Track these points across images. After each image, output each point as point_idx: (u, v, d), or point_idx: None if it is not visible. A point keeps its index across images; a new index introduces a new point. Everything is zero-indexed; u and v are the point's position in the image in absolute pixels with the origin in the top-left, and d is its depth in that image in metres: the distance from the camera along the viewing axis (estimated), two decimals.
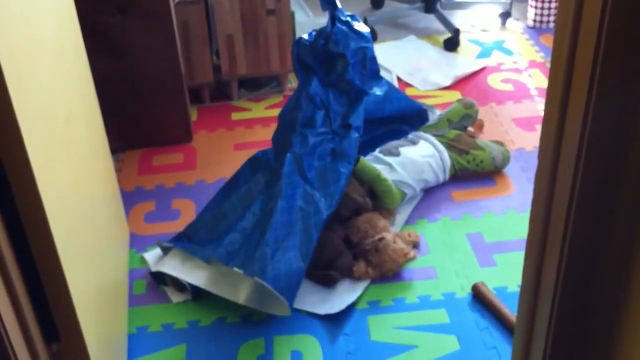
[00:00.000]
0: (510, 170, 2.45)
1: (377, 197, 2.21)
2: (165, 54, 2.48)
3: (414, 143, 2.37)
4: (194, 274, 1.96)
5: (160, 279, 2.03)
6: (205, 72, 2.80)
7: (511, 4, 3.46)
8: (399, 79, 3.02)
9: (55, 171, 1.31)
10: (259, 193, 2.07)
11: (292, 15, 2.83)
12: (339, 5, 2.36)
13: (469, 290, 1.98)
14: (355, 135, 2.13)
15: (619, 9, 0.87)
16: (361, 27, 2.34)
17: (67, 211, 1.35)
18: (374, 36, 3.34)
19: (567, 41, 0.95)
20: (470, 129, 2.56)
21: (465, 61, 3.14)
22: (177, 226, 2.22)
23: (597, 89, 0.91)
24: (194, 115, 2.82)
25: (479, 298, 1.94)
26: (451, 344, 1.83)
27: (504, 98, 2.88)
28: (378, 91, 2.33)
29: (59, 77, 1.49)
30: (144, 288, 2.04)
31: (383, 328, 1.88)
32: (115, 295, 1.82)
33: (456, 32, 3.24)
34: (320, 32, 2.32)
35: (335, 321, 1.90)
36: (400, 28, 3.48)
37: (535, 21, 3.41)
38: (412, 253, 2.02)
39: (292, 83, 3.01)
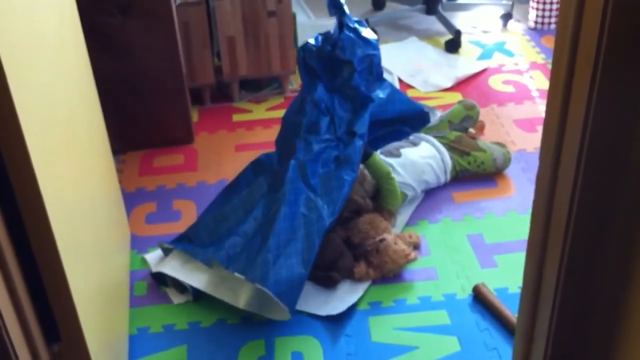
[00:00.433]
0: (510, 171, 2.45)
1: (380, 195, 2.21)
2: (166, 55, 2.49)
3: (414, 144, 2.37)
4: (194, 276, 1.96)
5: (160, 280, 2.03)
6: (206, 73, 2.80)
7: (512, 5, 3.46)
8: (400, 80, 3.03)
9: (56, 171, 1.31)
10: (260, 197, 2.07)
11: (293, 16, 2.83)
12: (347, 11, 2.36)
13: (469, 291, 1.98)
14: (359, 142, 2.12)
15: (620, 10, 0.87)
16: (368, 33, 2.33)
17: (68, 211, 1.36)
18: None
19: (567, 42, 0.95)
20: (471, 130, 2.56)
21: (466, 62, 3.14)
22: (178, 227, 2.22)
23: (598, 90, 0.91)
24: (194, 116, 2.82)
25: (480, 299, 1.94)
26: (452, 344, 1.83)
27: (504, 99, 2.88)
28: (381, 94, 2.32)
29: (60, 76, 1.49)
30: (145, 289, 2.04)
31: (384, 329, 1.88)
32: (116, 295, 1.83)
33: (457, 34, 3.24)
34: (327, 37, 2.31)
35: (336, 322, 1.90)
36: (401, 29, 3.48)
37: (536, 22, 3.41)
38: (413, 254, 2.02)
39: (293, 84, 3.01)
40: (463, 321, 1.89)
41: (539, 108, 2.81)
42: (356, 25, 2.33)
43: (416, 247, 2.12)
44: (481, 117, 2.63)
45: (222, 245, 1.94)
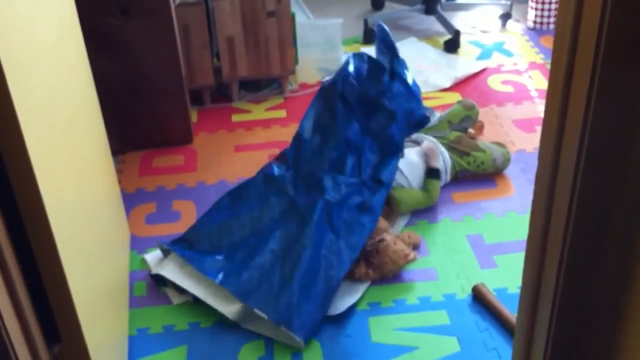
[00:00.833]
0: (510, 171, 2.45)
1: (396, 200, 2.21)
2: (165, 56, 2.49)
3: (417, 143, 2.37)
4: (191, 281, 1.96)
5: (160, 281, 2.03)
6: (206, 73, 2.80)
7: (511, 6, 3.46)
8: None
9: (56, 172, 1.31)
10: (272, 222, 2.05)
11: (292, 16, 2.83)
12: (399, 53, 2.32)
13: (469, 291, 1.98)
14: (384, 192, 2.10)
15: (619, 11, 0.87)
16: (411, 79, 2.32)
17: (68, 212, 1.36)
18: (374, 38, 3.34)
19: (567, 42, 0.95)
20: (471, 130, 2.56)
21: (465, 62, 3.14)
22: (178, 227, 2.22)
23: (597, 90, 0.91)
24: (194, 117, 2.82)
25: (479, 299, 1.94)
26: (451, 345, 1.83)
27: (504, 99, 2.88)
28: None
29: (60, 77, 1.49)
30: (145, 289, 2.04)
31: (383, 329, 1.88)
32: (115, 296, 1.83)
33: (456, 34, 3.24)
34: (373, 78, 2.26)
35: (336, 322, 1.90)
36: (400, 29, 3.48)
37: (535, 22, 3.41)
38: (412, 254, 2.02)
39: (292, 84, 3.02)
40: (463, 321, 1.89)
41: (538, 108, 2.81)
42: (405, 72, 2.30)
43: (416, 247, 2.12)
44: (480, 117, 2.63)
45: (239, 279, 1.92)
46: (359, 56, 2.40)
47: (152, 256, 2.12)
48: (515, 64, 3.14)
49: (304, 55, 3.03)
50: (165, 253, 2.08)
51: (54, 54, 1.46)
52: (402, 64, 2.34)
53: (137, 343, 1.87)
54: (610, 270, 1.08)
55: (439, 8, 3.39)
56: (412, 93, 2.30)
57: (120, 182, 2.38)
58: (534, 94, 2.91)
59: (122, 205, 2.15)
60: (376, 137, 2.24)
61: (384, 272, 2.01)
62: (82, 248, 1.48)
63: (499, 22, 3.49)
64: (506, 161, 2.42)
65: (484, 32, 3.44)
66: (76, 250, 1.39)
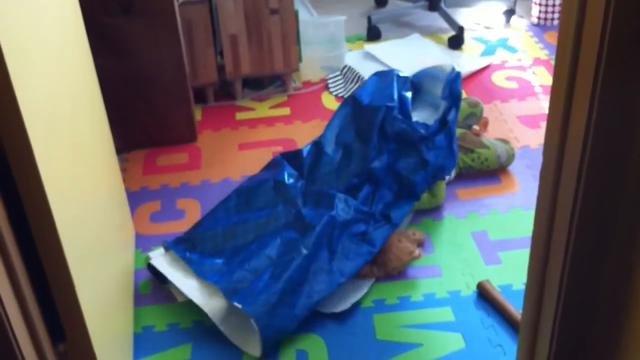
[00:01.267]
0: (514, 167, 2.45)
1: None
2: (169, 54, 2.49)
3: None
4: (179, 274, 1.97)
5: (162, 279, 2.03)
6: (209, 71, 2.80)
7: (515, 1, 3.45)
8: None
9: (60, 171, 1.32)
10: (275, 230, 2.03)
11: (296, 14, 2.83)
12: (461, 104, 2.26)
13: (473, 288, 1.98)
14: (389, 230, 2.05)
15: (623, 6, 0.86)
16: (449, 133, 2.26)
17: (72, 211, 1.36)
18: (378, 35, 3.34)
19: (571, 38, 0.95)
20: (475, 127, 2.56)
21: (469, 59, 3.14)
22: (182, 225, 2.22)
23: (601, 85, 0.91)
24: (197, 115, 2.82)
25: (484, 296, 1.94)
26: (456, 341, 1.83)
27: (508, 95, 2.87)
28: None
29: (63, 76, 1.49)
30: (149, 287, 2.05)
31: (388, 326, 1.88)
32: (120, 294, 1.83)
33: (460, 30, 3.23)
34: (406, 109, 2.21)
35: (340, 320, 1.90)
36: (403, 26, 3.47)
37: (539, 18, 3.41)
38: (417, 251, 2.02)
39: (296, 82, 3.01)
40: (467, 318, 1.89)
41: (543, 104, 2.80)
42: (455, 127, 2.26)
43: (420, 244, 2.12)
44: (484, 114, 2.63)
45: (230, 279, 1.91)
46: (402, 81, 2.33)
47: (156, 254, 2.12)
48: (519, 60, 3.13)
49: (308, 52, 3.03)
50: (168, 251, 2.09)
51: (57, 53, 1.46)
52: (455, 114, 2.26)
53: (142, 341, 1.88)
54: (614, 266, 1.08)
55: (442, 4, 3.39)
56: (452, 151, 2.23)
57: (124, 180, 2.39)
58: (538, 90, 2.91)
59: (126, 204, 2.15)
60: (399, 178, 2.17)
61: (388, 269, 2.01)
62: (87, 246, 1.48)
63: (503, 18, 3.48)
64: (510, 157, 2.42)
65: (487, 28, 3.43)
66: (81, 248, 1.39)
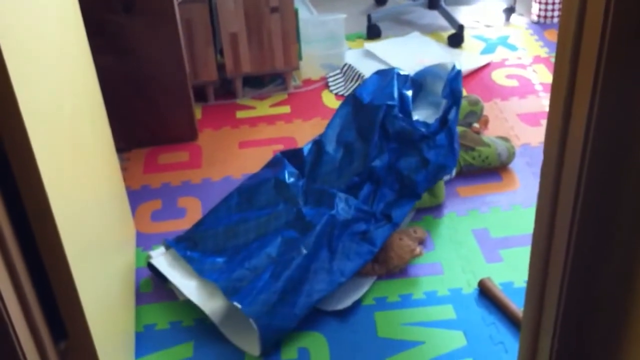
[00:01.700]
0: (515, 165, 2.44)
1: None
2: (169, 52, 2.49)
3: None
4: (179, 274, 1.97)
5: (163, 278, 2.03)
6: (209, 70, 2.80)
7: None
8: None
9: (61, 170, 1.32)
10: (276, 230, 2.03)
11: (296, 12, 2.82)
12: (461, 103, 2.26)
13: (475, 285, 1.98)
14: (390, 230, 2.05)
15: (624, 3, 0.86)
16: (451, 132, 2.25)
17: (73, 209, 1.36)
18: (378, 33, 3.34)
19: (571, 36, 0.95)
20: (475, 125, 2.56)
21: (469, 57, 3.13)
22: (183, 224, 2.22)
23: (602, 82, 0.91)
24: (198, 114, 2.82)
25: (485, 293, 1.94)
26: (458, 339, 1.83)
27: (508, 93, 2.87)
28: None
29: (63, 75, 1.49)
30: (151, 286, 2.05)
31: (390, 324, 1.88)
32: (122, 293, 1.83)
33: (460, 28, 3.23)
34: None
35: (342, 317, 1.91)
36: (403, 24, 3.47)
37: (539, 16, 3.40)
38: (418, 249, 2.02)
39: (296, 80, 3.01)
40: (469, 316, 1.89)
41: (543, 102, 2.80)
42: (456, 126, 2.26)
43: (421, 242, 2.12)
44: (485, 112, 2.63)
45: (230, 277, 1.91)
46: (402, 79, 2.32)
47: (157, 253, 2.12)
48: (519, 58, 3.13)
49: (308, 51, 3.02)
50: (169, 249, 2.09)
51: (57, 51, 1.46)
52: (456, 114, 2.25)
53: (144, 339, 1.88)
54: (616, 263, 1.08)
55: (442, 2, 3.38)
56: (453, 150, 2.22)
57: (125, 179, 2.38)
58: (538, 87, 2.90)
59: (127, 202, 2.15)
60: (400, 178, 2.16)
61: (389, 267, 2.01)
62: (88, 245, 1.48)
63: (502, 16, 3.48)
64: (511, 155, 2.42)
65: (487, 26, 3.43)
66: (82, 246, 1.39)
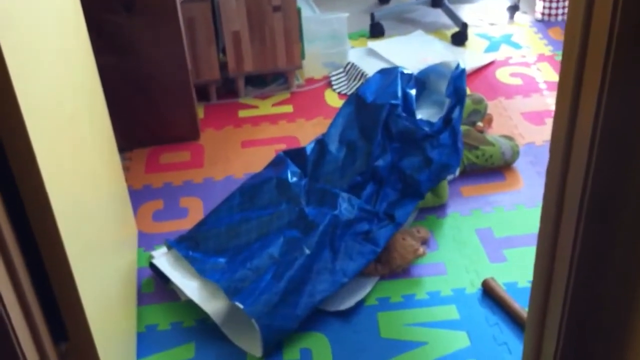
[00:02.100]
0: (519, 164, 2.43)
1: None
2: (171, 51, 2.48)
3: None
4: (181, 274, 1.96)
5: (165, 278, 2.02)
6: (212, 69, 2.79)
7: None
8: None
9: (62, 169, 1.31)
10: (278, 229, 2.02)
11: (298, 11, 2.82)
12: (465, 102, 2.24)
13: (478, 285, 1.97)
14: (393, 230, 2.03)
15: (631, 1, 0.85)
16: (453, 131, 2.23)
17: (74, 209, 1.35)
18: (381, 31, 3.33)
19: (578, 32, 0.94)
20: (479, 123, 2.54)
21: (473, 55, 3.12)
22: (185, 224, 2.22)
23: (610, 80, 0.90)
24: (200, 113, 2.82)
25: (489, 293, 1.93)
26: (461, 339, 1.82)
27: (512, 92, 2.86)
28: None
29: (65, 74, 1.48)
30: (152, 286, 2.04)
31: (393, 324, 1.87)
32: (123, 293, 1.82)
33: (464, 26, 3.22)
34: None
35: (345, 318, 1.90)
36: (407, 23, 3.46)
37: (543, 14, 3.39)
38: (421, 249, 2.01)
39: (299, 79, 3.00)
40: (472, 316, 1.88)
41: (547, 100, 2.79)
42: (460, 125, 2.24)
43: (425, 242, 2.11)
44: (489, 110, 2.62)
45: (232, 277, 1.90)
46: (406, 78, 2.31)
47: (159, 253, 2.11)
48: (523, 56, 3.12)
49: (310, 49, 3.02)
50: (170, 249, 2.08)
51: (58, 51, 1.45)
52: (460, 112, 2.23)
53: (146, 340, 1.87)
54: (622, 263, 1.07)
55: (445, 0, 3.37)
56: (456, 149, 2.20)
57: (127, 179, 2.38)
58: (542, 86, 2.89)
59: (129, 202, 2.15)
60: (403, 177, 2.15)
61: (392, 267, 2.00)
62: (89, 245, 1.47)
63: (506, 14, 3.47)
64: (515, 154, 2.41)
65: (491, 24, 3.42)
66: (83, 247, 1.39)
